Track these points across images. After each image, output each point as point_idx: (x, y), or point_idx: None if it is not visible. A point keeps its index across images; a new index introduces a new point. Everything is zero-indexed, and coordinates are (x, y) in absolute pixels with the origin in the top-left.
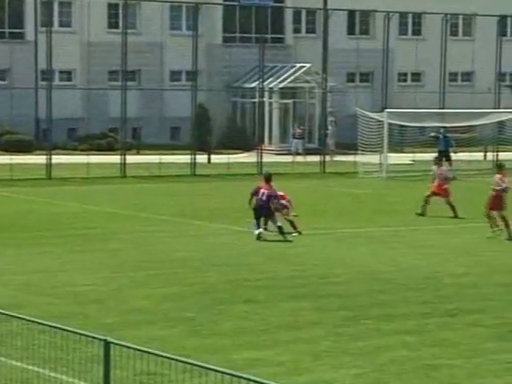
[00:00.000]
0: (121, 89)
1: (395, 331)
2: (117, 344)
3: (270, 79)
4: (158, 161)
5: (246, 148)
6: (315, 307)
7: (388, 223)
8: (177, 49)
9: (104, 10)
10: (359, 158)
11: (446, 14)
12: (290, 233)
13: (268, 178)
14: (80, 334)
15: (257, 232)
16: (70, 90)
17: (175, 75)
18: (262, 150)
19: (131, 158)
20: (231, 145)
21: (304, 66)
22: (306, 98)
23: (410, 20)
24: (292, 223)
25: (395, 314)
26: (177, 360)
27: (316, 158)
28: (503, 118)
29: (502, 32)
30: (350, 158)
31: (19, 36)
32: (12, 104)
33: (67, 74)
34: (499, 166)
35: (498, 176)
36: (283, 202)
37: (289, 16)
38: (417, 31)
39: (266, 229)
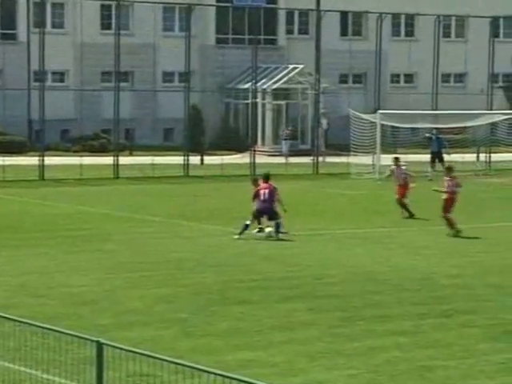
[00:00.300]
0: (114, 90)
1: (390, 332)
2: (109, 345)
3: (263, 80)
4: (150, 162)
5: (239, 149)
6: (310, 308)
7: (383, 224)
8: (170, 50)
9: (97, 11)
10: (352, 159)
11: (439, 16)
12: (284, 232)
13: (267, 178)
14: (73, 335)
15: (267, 231)
16: (63, 91)
17: (168, 76)
18: (255, 151)
19: (124, 159)
20: (224, 146)
21: (297, 67)
22: (298, 99)
23: (402, 21)
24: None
25: (390, 315)
26: (169, 361)
27: (309, 160)
28: (496, 120)
29: (494, 33)
30: (343, 159)
31: (12, 37)
32: (4, 105)
33: (60, 75)
34: (448, 169)
35: (447, 179)
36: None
37: (282, 17)
38: (409, 32)
39: (261, 229)
